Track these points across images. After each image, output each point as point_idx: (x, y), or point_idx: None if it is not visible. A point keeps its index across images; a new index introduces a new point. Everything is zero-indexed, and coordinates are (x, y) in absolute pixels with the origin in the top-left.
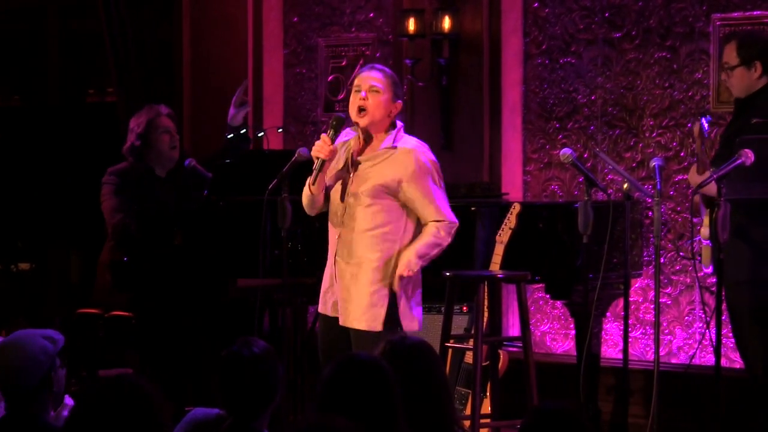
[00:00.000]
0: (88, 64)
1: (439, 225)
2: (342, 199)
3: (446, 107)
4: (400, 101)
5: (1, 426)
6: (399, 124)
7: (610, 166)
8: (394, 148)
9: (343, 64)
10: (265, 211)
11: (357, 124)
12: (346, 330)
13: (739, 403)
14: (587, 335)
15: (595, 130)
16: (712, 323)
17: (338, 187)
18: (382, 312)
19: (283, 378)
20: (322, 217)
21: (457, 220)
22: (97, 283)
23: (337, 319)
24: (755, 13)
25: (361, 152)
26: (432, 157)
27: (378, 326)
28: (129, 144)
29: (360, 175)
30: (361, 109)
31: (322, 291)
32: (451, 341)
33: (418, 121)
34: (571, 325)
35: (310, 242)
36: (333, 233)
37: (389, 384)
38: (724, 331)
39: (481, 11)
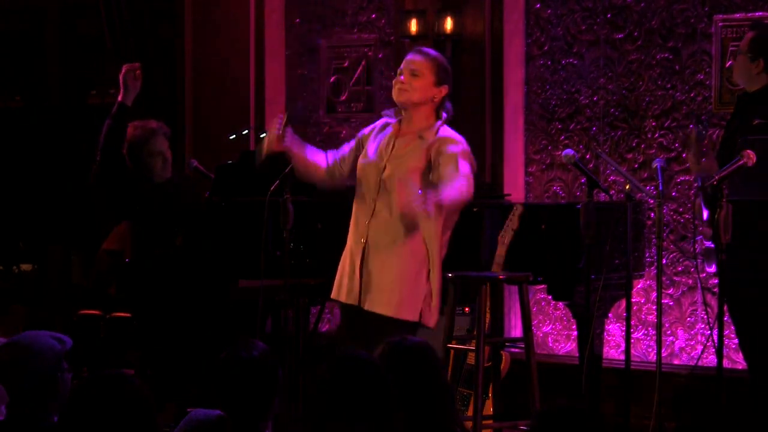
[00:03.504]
0: (90, 64)
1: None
2: (376, 181)
3: None
4: (445, 86)
5: (4, 427)
6: (444, 115)
7: (612, 167)
8: (436, 134)
9: (345, 65)
10: (267, 212)
11: (399, 108)
12: (368, 314)
13: (741, 404)
14: (589, 336)
15: (597, 131)
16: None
17: (373, 168)
18: (419, 302)
19: (282, 380)
20: (324, 218)
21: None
22: (95, 270)
23: (356, 306)
24: (757, 14)
25: (402, 135)
26: (467, 147)
27: (417, 316)
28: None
29: (398, 158)
30: (400, 90)
31: (339, 277)
32: (454, 342)
33: None
34: (573, 326)
35: (312, 243)
36: (362, 216)
37: (383, 382)
38: (726, 332)
39: (483, 12)
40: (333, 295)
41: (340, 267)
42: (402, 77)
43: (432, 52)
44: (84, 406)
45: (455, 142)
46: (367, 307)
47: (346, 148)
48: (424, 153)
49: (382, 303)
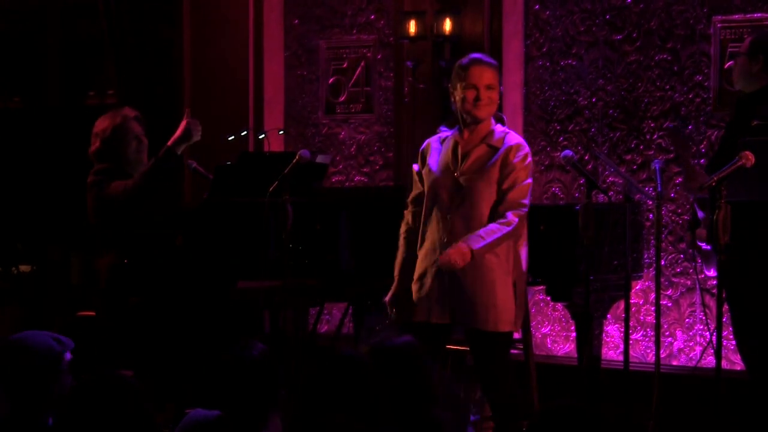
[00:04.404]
0: (89, 66)
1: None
2: (449, 195)
3: (447, 109)
4: (501, 86)
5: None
6: (504, 117)
7: (610, 168)
8: (504, 142)
9: (344, 66)
10: (266, 213)
11: (473, 117)
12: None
13: (739, 404)
14: (588, 337)
15: (596, 132)
16: (712, 325)
17: (444, 182)
18: (512, 312)
19: (282, 380)
20: (323, 219)
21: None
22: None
23: (439, 326)
24: (756, 15)
25: (467, 144)
26: (529, 157)
27: (511, 326)
28: (95, 148)
29: (471, 170)
30: (483, 107)
31: (424, 297)
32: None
33: (419, 123)
34: (572, 327)
35: (311, 244)
36: (439, 232)
37: (370, 379)
38: (725, 333)
39: (482, 13)
40: (419, 318)
41: (419, 286)
42: (481, 95)
43: (491, 59)
44: (81, 407)
45: (524, 159)
46: (464, 325)
47: (416, 189)
48: (498, 166)
49: (479, 320)
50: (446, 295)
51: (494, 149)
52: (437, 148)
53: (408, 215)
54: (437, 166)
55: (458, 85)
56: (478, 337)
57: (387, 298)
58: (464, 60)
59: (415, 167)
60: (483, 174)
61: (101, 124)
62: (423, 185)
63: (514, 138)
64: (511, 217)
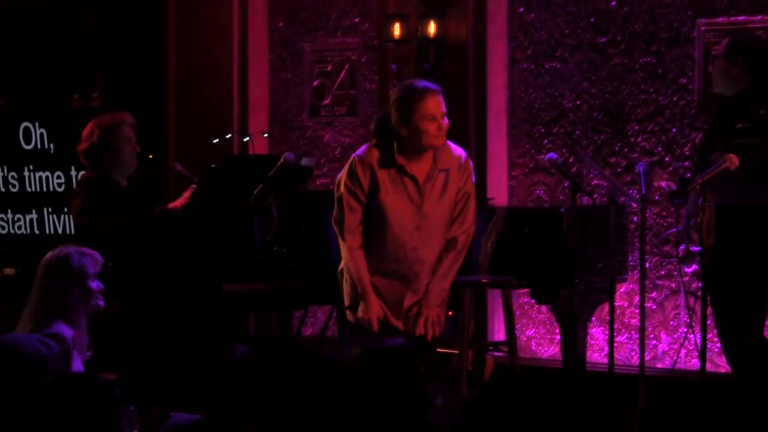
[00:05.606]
0: (75, 68)
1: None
2: (416, 223)
3: None
4: None
5: None
6: None
7: (595, 171)
8: (453, 155)
9: (329, 69)
10: (251, 216)
11: (433, 147)
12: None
13: (724, 406)
14: (573, 340)
15: (581, 135)
16: (697, 328)
17: (407, 210)
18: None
19: (266, 384)
20: (308, 222)
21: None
22: None
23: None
24: (740, 18)
25: (420, 171)
26: (473, 173)
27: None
28: (88, 145)
29: (436, 196)
30: (442, 137)
31: (390, 303)
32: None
33: None
34: (557, 330)
35: (296, 246)
36: (399, 254)
37: (356, 385)
38: (709, 336)
39: (467, 16)
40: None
41: (386, 293)
42: (442, 125)
43: (437, 85)
44: (49, 406)
45: (472, 179)
46: (420, 332)
47: (359, 215)
48: (451, 183)
49: (439, 325)
50: (413, 312)
51: (445, 170)
52: (382, 171)
53: (355, 241)
54: (393, 194)
55: (413, 117)
56: (428, 342)
57: (370, 315)
58: (413, 92)
59: (356, 188)
60: (445, 201)
61: (101, 120)
62: (363, 205)
63: (458, 150)
64: (462, 243)
